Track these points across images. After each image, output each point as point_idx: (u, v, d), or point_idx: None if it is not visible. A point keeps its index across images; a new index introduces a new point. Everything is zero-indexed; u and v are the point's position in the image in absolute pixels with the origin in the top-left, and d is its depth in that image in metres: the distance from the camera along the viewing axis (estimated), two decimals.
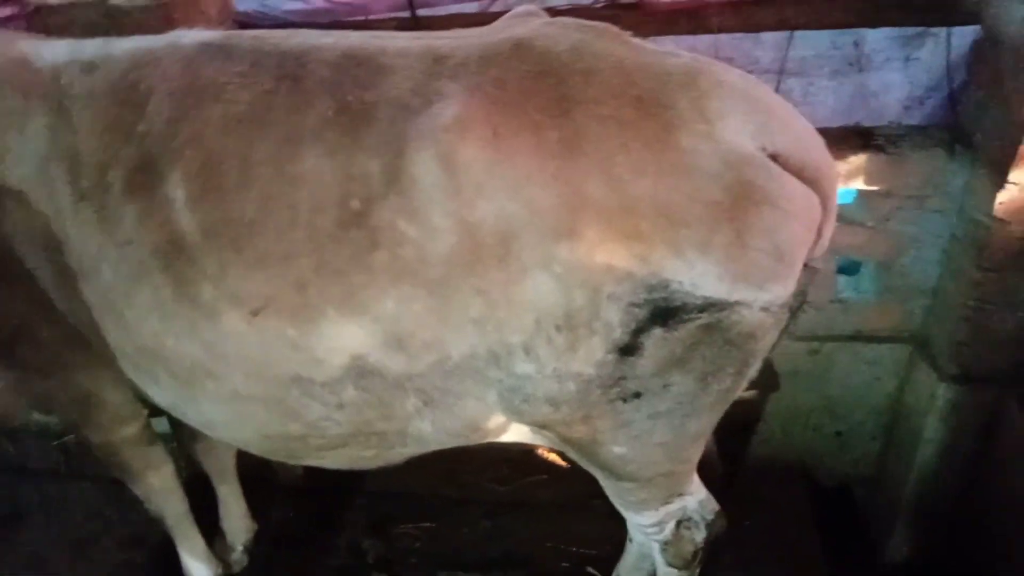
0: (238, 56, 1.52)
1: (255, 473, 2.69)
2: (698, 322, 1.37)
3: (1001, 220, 2.23)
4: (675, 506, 1.88)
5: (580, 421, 1.54)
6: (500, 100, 1.35)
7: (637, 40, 1.46)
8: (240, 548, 2.68)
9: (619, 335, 1.38)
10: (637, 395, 1.49)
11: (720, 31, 2.41)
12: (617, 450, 1.62)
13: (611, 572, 2.46)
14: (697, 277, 1.33)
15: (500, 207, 1.33)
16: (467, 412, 1.57)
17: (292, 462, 1.79)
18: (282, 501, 2.91)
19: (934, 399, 2.58)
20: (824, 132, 2.26)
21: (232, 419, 1.66)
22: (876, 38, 2.46)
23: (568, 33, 1.42)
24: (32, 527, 2.95)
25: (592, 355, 1.41)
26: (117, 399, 1.96)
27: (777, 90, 2.49)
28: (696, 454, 1.73)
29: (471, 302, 1.40)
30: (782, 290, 1.39)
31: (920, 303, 2.63)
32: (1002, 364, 2.46)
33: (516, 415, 1.57)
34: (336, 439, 1.64)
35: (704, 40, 2.48)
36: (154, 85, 1.53)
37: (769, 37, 2.49)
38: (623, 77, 1.36)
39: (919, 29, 2.43)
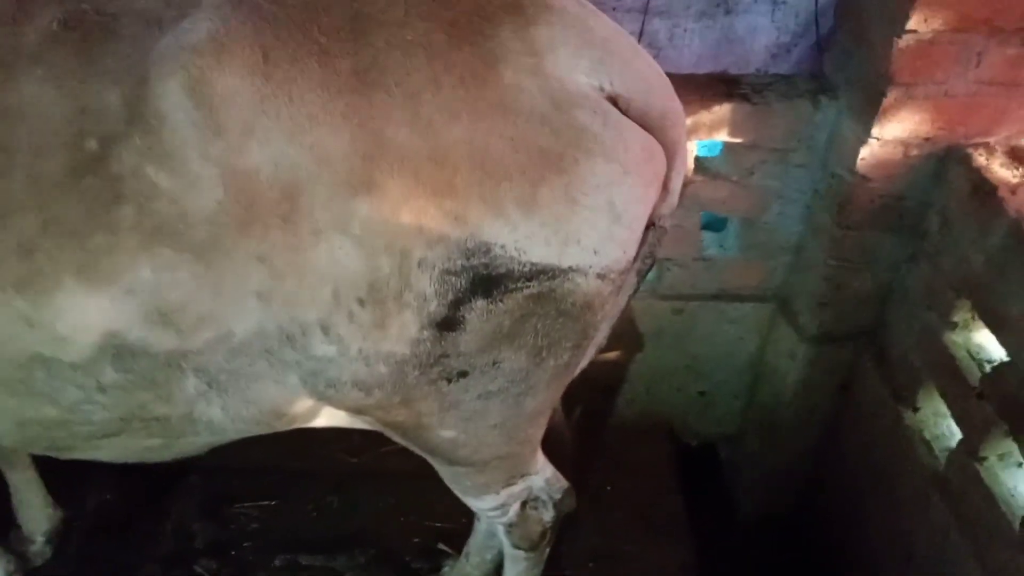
0: None
1: None
2: (526, 292, 1.17)
3: (863, 176, 2.15)
4: (519, 487, 1.71)
5: (400, 405, 1.33)
6: (273, 16, 1.08)
7: None
8: (41, 539, 2.35)
9: (435, 308, 1.17)
10: (463, 374, 1.29)
11: None
12: (446, 434, 1.42)
13: (462, 546, 2.31)
14: (522, 240, 1.12)
15: (278, 153, 1.07)
16: (265, 396, 1.32)
17: (62, 456, 1.49)
18: (97, 483, 2.57)
19: (794, 358, 2.54)
20: (690, 79, 2.11)
21: None
22: None
23: None
24: None
25: (405, 332, 1.19)
26: None
27: (641, 32, 2.30)
28: (537, 433, 1.56)
29: (250, 271, 1.14)
30: (621, 254, 1.20)
31: (783, 261, 2.55)
32: (860, 323, 2.42)
33: (324, 400, 1.34)
34: (107, 425, 1.36)
35: None
36: None
37: None
38: None
39: None
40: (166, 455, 1.52)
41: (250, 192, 1.09)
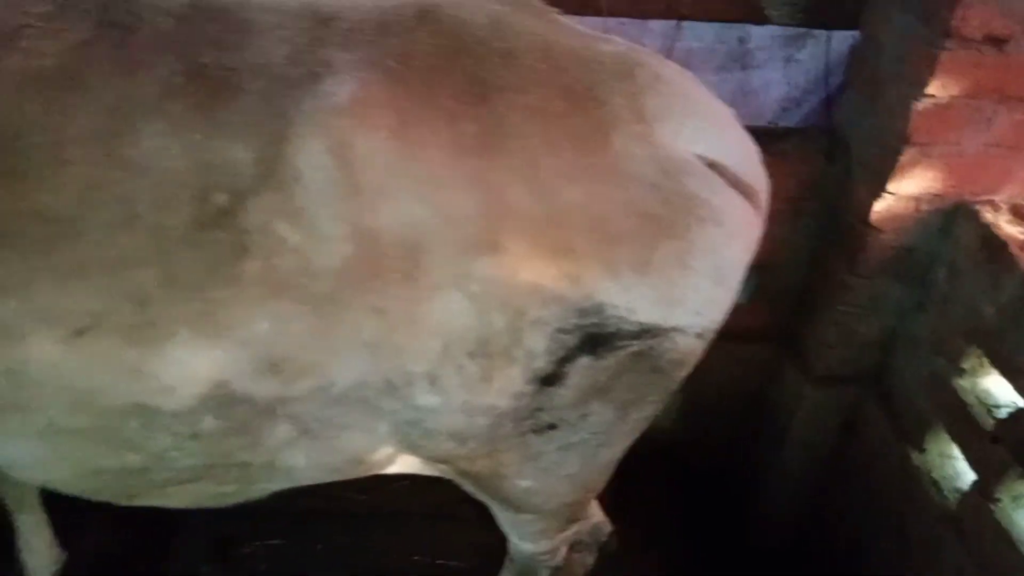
0: None
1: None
2: (630, 349, 1.21)
3: (875, 227, 2.25)
4: (571, 531, 1.74)
5: (485, 456, 1.35)
6: (406, 80, 1.10)
7: (563, 18, 1.26)
8: None
9: (542, 364, 1.20)
10: (552, 427, 1.32)
11: (609, 14, 2.26)
12: (522, 483, 1.44)
13: None
14: (634, 301, 1.16)
15: (407, 212, 1.09)
16: (351, 446, 1.32)
17: (128, 503, 1.45)
18: (99, 524, 2.49)
19: (800, 397, 2.62)
20: None
21: (46, 457, 1.30)
22: (761, 35, 2.41)
23: (484, 3, 1.20)
24: None
25: (509, 386, 1.21)
26: None
27: None
28: (604, 482, 1.59)
29: (365, 323, 1.15)
30: (719, 315, 1.25)
31: (790, 304, 2.64)
32: (866, 365, 2.52)
33: (411, 449, 1.35)
34: (187, 472, 1.34)
35: (591, 22, 2.32)
36: None
37: (657, 25, 2.38)
38: (550, 62, 1.16)
39: (802, 30, 2.41)
40: (230, 501, 1.50)
41: (376, 249, 1.10)
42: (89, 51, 1.10)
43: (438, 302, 1.14)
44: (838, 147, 2.39)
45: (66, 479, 1.37)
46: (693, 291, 1.19)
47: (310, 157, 1.07)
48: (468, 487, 1.53)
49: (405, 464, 1.45)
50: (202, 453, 1.28)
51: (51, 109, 1.08)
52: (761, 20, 2.34)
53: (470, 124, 1.11)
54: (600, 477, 1.54)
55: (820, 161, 2.42)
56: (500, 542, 2.10)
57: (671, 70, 1.24)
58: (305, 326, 1.14)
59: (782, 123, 2.53)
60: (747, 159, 1.27)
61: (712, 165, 1.21)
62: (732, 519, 2.95)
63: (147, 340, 1.13)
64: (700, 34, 2.39)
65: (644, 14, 2.28)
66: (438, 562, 2.54)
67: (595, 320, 1.16)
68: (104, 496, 1.44)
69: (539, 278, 1.13)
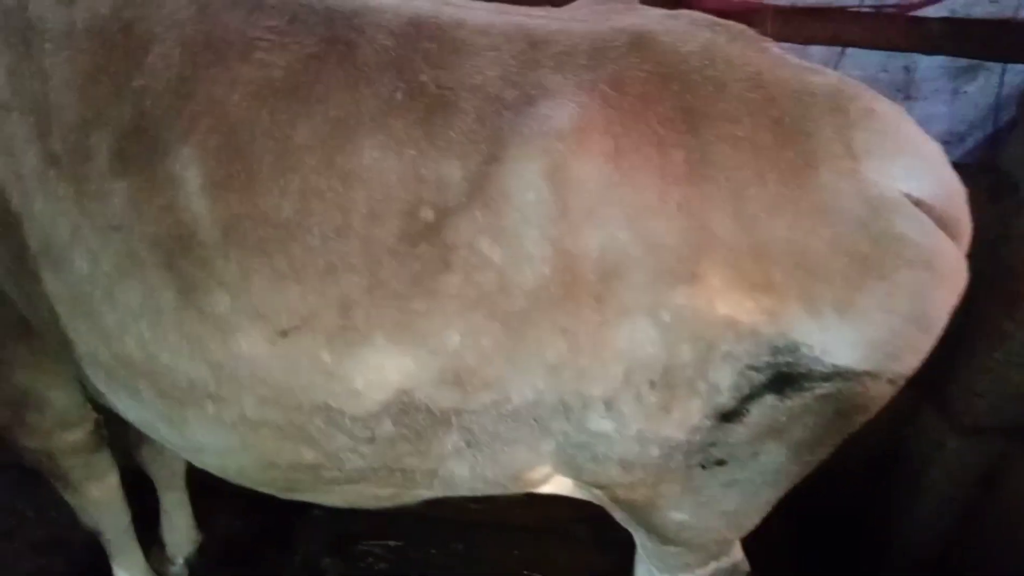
0: (271, 5, 1.21)
1: (199, 476, 2.37)
2: (817, 391, 1.17)
3: None
4: (710, 568, 1.69)
5: (648, 486, 1.32)
6: (620, 105, 1.10)
7: (776, 48, 1.23)
8: (181, 561, 2.38)
9: (725, 400, 1.17)
10: (720, 463, 1.28)
11: (773, 38, 2.20)
12: (676, 516, 1.41)
13: None
14: (831, 342, 1.12)
15: (611, 238, 1.09)
16: (514, 461, 1.33)
17: (286, 496, 1.50)
18: (230, 510, 2.58)
19: (940, 447, 2.49)
20: None
21: (231, 445, 1.36)
22: (928, 66, 2.31)
23: (696, 31, 1.18)
24: None
25: (687, 419, 1.19)
26: (62, 401, 1.63)
27: None
28: (758, 521, 1.54)
29: (550, 343, 1.15)
30: (916, 362, 1.19)
31: (936, 347, 2.51)
32: (1015, 417, 2.37)
33: (574, 472, 1.34)
34: (354, 473, 1.37)
35: None
36: (156, 30, 1.20)
37: (818, 51, 2.31)
38: (760, 92, 1.13)
39: (973, 63, 2.29)
40: (382, 505, 1.53)
41: (574, 271, 1.10)
42: (316, 64, 1.14)
43: (626, 328, 1.13)
44: (1004, 186, 2.26)
45: (243, 468, 1.42)
46: (895, 335, 1.14)
47: (522, 178, 1.08)
48: (617, 514, 1.50)
49: (558, 485, 1.44)
50: (373, 456, 1.31)
51: (279, 118, 1.13)
52: (931, 50, 2.24)
53: (679, 151, 1.09)
54: (756, 516, 1.49)
55: (982, 200, 2.28)
56: (613, 564, 2.07)
57: (883, 105, 1.19)
58: (493, 341, 1.15)
59: None
60: (955, 200, 1.21)
61: (921, 205, 1.15)
62: (857, 571, 2.83)
63: (345, 344, 1.16)
64: (863, 62, 2.31)
65: (810, 40, 2.21)
66: None
67: (788, 359, 1.13)
68: (269, 488, 1.49)
69: (735, 312, 1.10)
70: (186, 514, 2.33)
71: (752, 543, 2.72)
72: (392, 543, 2.59)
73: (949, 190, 1.21)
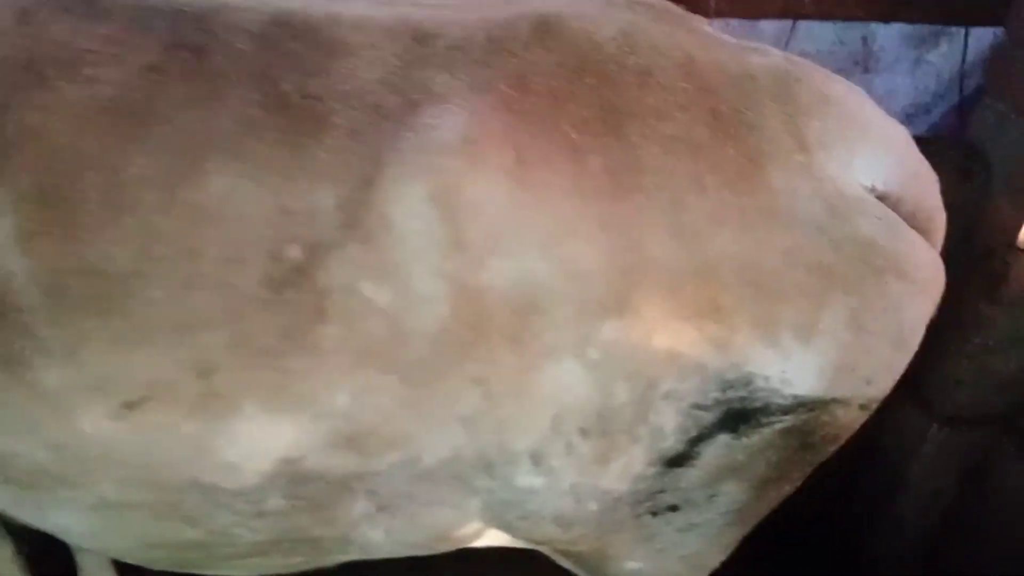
0: (106, 8, 0.99)
1: None
2: (778, 426, 0.99)
3: (1022, 252, 1.96)
4: None
5: (591, 539, 1.14)
6: (522, 108, 0.91)
7: (709, 27, 1.04)
8: None
9: (671, 444, 0.99)
10: (673, 508, 1.11)
11: (718, 15, 2.02)
12: (630, 566, 1.23)
13: None
14: (792, 370, 0.94)
15: (521, 269, 0.90)
16: (437, 522, 1.14)
17: (185, 571, 1.30)
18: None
19: (921, 440, 2.34)
20: None
21: (100, 529, 1.16)
22: (887, 35, 2.14)
23: (613, 12, 0.99)
24: None
25: (628, 469, 1.01)
26: None
27: None
28: (723, 558, 1.37)
29: (462, 394, 0.96)
30: (892, 383, 1.02)
31: None
32: (1000, 406, 2.23)
33: (505, 529, 1.15)
34: (251, 547, 1.17)
35: None
36: None
37: (770, 27, 2.13)
38: (693, 81, 0.95)
39: (934, 28, 2.13)
40: (297, 570, 1.33)
41: (479, 310, 0.91)
42: (155, 78, 0.93)
43: (549, 371, 0.94)
44: (975, 160, 2.10)
45: (121, 551, 1.22)
46: (866, 357, 0.96)
47: (405, 204, 0.89)
48: (564, 563, 1.32)
49: (495, 538, 1.26)
50: (269, 530, 1.11)
51: (110, 146, 0.92)
52: (889, 17, 2.07)
53: (597, 159, 0.90)
54: (721, 555, 1.32)
55: (953, 176, 2.13)
56: None
57: (838, 86, 1.01)
58: (391, 397, 0.96)
59: (909, 131, 2.26)
60: (927, 190, 1.04)
61: (888, 200, 0.98)
62: (838, 570, 2.69)
63: (209, 413, 0.96)
64: (817, 35, 2.13)
65: (759, 14, 2.03)
66: None
67: (742, 394, 0.95)
68: (163, 567, 1.29)
69: (676, 344, 0.92)
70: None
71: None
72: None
73: (919, 180, 1.04)
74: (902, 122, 2.23)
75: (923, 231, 1.03)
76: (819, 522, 2.76)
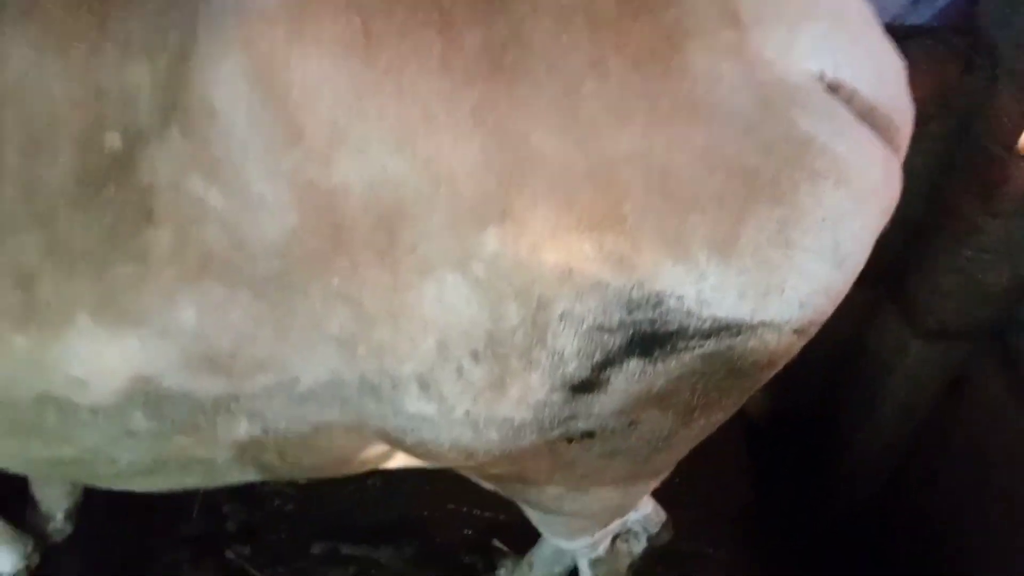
0: None
1: None
2: (698, 351, 0.87)
3: (1022, 156, 1.79)
4: (615, 524, 1.45)
5: (503, 464, 1.05)
6: None
7: None
8: (60, 516, 2.14)
9: (573, 369, 0.87)
10: (589, 435, 1.00)
11: None
12: (553, 490, 1.15)
13: (520, 544, 2.08)
14: (708, 291, 0.81)
15: (377, 168, 0.76)
16: (331, 445, 1.05)
17: (85, 484, 1.23)
18: None
19: (903, 351, 2.24)
20: None
21: None
22: None
23: None
24: None
25: (529, 395, 0.90)
26: None
27: None
28: (659, 482, 1.28)
29: (330, 312, 0.85)
30: (829, 306, 0.89)
31: (899, 242, 2.21)
32: (986, 320, 2.10)
33: (408, 453, 1.06)
34: (136, 466, 1.09)
35: None
36: None
37: None
38: None
39: None
40: (207, 485, 1.26)
41: (335, 218, 0.78)
42: None
43: (430, 288, 0.82)
44: (980, 52, 1.90)
45: (6, 464, 1.14)
46: (798, 277, 0.83)
47: (225, 85, 0.74)
48: (488, 486, 1.24)
49: (406, 460, 1.17)
50: (147, 450, 1.03)
51: None
52: None
53: (474, 33, 0.75)
54: (654, 480, 1.24)
55: (956, 69, 1.93)
56: None
57: None
58: (245, 315, 0.84)
59: (909, 20, 2.04)
60: (888, 80, 0.88)
61: (839, 91, 0.82)
62: (811, 479, 2.64)
63: (39, 326, 0.85)
64: None
65: None
66: (475, 513, 2.32)
67: (650, 316, 0.82)
68: (57, 480, 1.22)
69: (570, 258, 0.79)
70: None
71: (696, 452, 2.53)
72: (302, 481, 2.36)
73: (880, 68, 0.87)
74: (905, 8, 2.03)
75: (881, 130, 0.87)
76: (799, 428, 2.71)
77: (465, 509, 2.33)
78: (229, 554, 2.20)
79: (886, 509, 2.54)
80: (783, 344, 0.91)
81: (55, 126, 0.77)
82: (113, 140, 0.77)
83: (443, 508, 2.34)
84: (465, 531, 2.29)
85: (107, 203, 0.79)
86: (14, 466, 1.15)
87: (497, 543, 2.24)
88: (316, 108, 0.74)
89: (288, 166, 0.76)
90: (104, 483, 1.19)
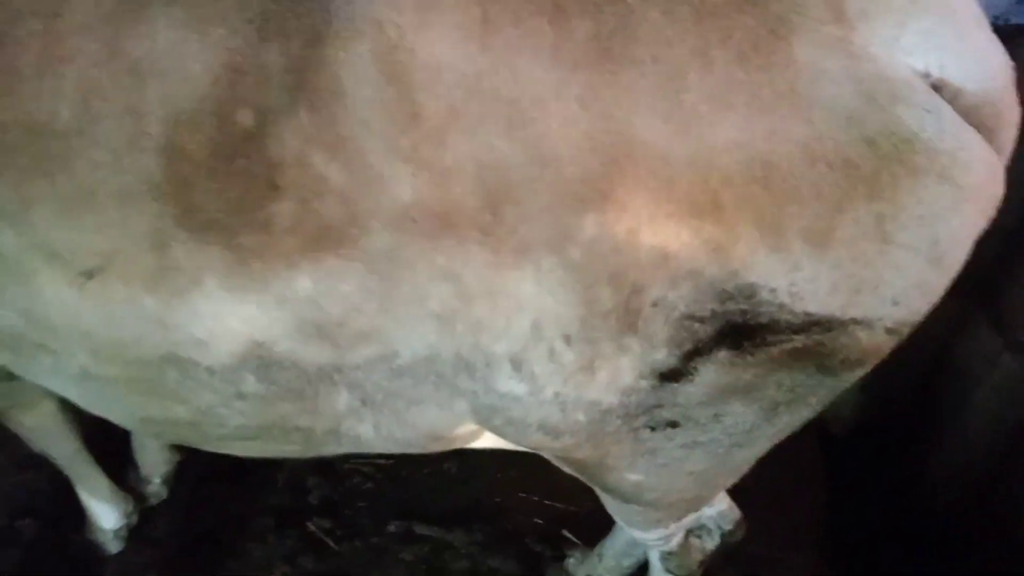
0: None
1: None
2: (788, 345, 0.88)
3: None
4: (689, 519, 1.46)
5: (587, 448, 1.08)
6: None
7: None
8: (157, 480, 2.28)
9: (663, 357, 0.89)
10: (673, 424, 1.02)
11: None
12: (632, 477, 1.17)
13: (589, 535, 2.10)
14: (802, 283, 0.82)
15: (487, 149, 0.80)
16: (424, 420, 1.09)
17: (190, 446, 1.32)
18: None
19: (994, 363, 2.16)
20: None
21: (93, 399, 1.17)
22: None
23: None
24: None
25: (617, 380, 0.92)
26: None
27: None
28: (738, 478, 1.28)
29: (433, 289, 0.89)
30: (926, 305, 0.89)
31: (991, 249, 2.13)
32: None
33: (496, 433, 1.10)
34: (241, 430, 1.17)
35: None
36: None
37: None
38: None
39: None
40: (304, 456, 1.33)
41: (446, 196, 0.82)
42: None
43: (528, 269, 0.85)
44: None
45: (121, 420, 1.23)
46: (894, 273, 0.83)
47: (353, 67, 0.79)
48: (568, 470, 1.27)
49: (494, 440, 1.21)
50: (254, 414, 1.09)
51: None
52: None
53: (584, 23, 0.78)
54: (733, 476, 1.24)
55: None
56: None
57: None
58: (357, 287, 0.89)
59: (1014, 19, 1.97)
60: (994, 79, 0.86)
61: (944, 89, 0.82)
62: (891, 490, 2.57)
63: (169, 288, 0.92)
64: None
65: None
66: (547, 503, 2.35)
67: (742, 307, 0.84)
68: (167, 440, 1.31)
69: (666, 245, 0.81)
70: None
71: (773, 460, 2.50)
72: (381, 461, 2.44)
73: (988, 67, 0.86)
74: (1009, 7, 1.96)
75: (986, 130, 0.86)
76: (884, 442, 2.64)
77: (536, 498, 2.37)
78: (310, 526, 2.29)
79: (970, 523, 2.46)
80: (874, 342, 0.91)
81: (194, 101, 0.84)
82: (246, 116, 0.83)
83: (515, 496, 2.38)
84: (536, 520, 2.32)
85: (237, 175, 0.85)
86: (130, 423, 1.24)
87: (566, 533, 2.27)
88: (435, 90, 0.79)
89: (406, 144, 0.80)
90: (210, 445, 1.27)
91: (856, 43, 0.79)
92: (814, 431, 2.59)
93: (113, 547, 2.13)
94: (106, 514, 2.09)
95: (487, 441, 1.23)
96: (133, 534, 2.18)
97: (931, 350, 2.37)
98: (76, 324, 0.97)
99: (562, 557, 2.22)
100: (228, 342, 0.96)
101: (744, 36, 0.78)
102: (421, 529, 2.31)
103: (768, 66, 0.78)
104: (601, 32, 0.78)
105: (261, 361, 0.98)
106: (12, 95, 0.87)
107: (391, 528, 2.31)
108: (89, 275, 0.92)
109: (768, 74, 0.78)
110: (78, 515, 2.11)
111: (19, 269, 0.94)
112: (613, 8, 0.78)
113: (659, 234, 0.80)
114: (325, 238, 0.86)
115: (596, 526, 2.06)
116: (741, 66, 0.78)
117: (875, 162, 0.78)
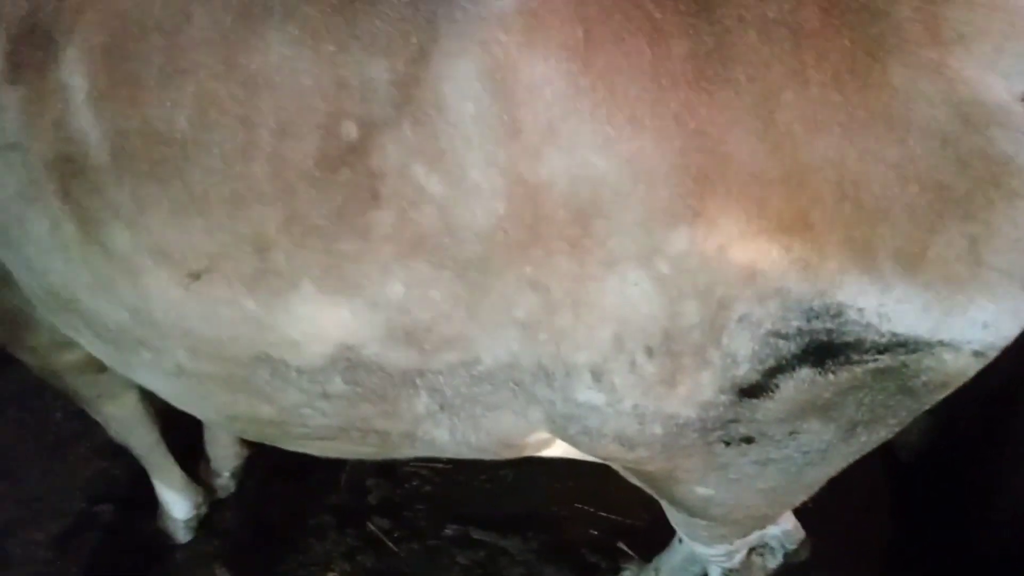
0: None
1: None
2: (871, 365, 0.88)
3: None
4: (753, 536, 1.46)
5: (660, 460, 1.09)
6: None
7: None
8: (227, 474, 2.36)
9: (744, 373, 0.90)
10: (748, 440, 1.03)
11: None
12: (702, 491, 1.18)
13: (645, 548, 2.10)
14: (891, 304, 0.82)
15: (582, 164, 0.82)
16: (500, 426, 1.12)
17: (269, 443, 1.37)
18: None
19: None
20: None
21: (184, 395, 1.23)
22: None
23: None
24: (5, 421, 2.64)
25: (697, 394, 0.93)
26: (50, 321, 1.54)
27: None
28: (808, 497, 1.28)
29: (519, 298, 0.91)
30: (1016, 329, 0.88)
31: None
32: None
33: (570, 443, 1.12)
34: (322, 430, 1.21)
35: None
36: None
37: None
38: None
39: None
40: (376, 458, 1.37)
41: (537, 209, 0.85)
42: None
43: (613, 281, 0.87)
44: None
45: (206, 417, 1.29)
46: (986, 296, 0.83)
47: (458, 83, 0.82)
48: (635, 481, 1.28)
49: (564, 449, 1.23)
50: (336, 414, 1.13)
51: (171, 6, 0.91)
52: None
53: (682, 43, 0.79)
54: (803, 494, 1.24)
55: None
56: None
57: None
58: (446, 294, 0.93)
59: None
60: None
61: None
62: (959, 521, 2.51)
63: (269, 290, 0.97)
64: None
65: None
66: (602, 514, 2.35)
67: (829, 326, 0.84)
68: (248, 437, 1.36)
69: (756, 262, 0.82)
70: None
71: (838, 483, 2.46)
72: (440, 465, 2.48)
73: None
74: None
75: None
76: (953, 471, 2.57)
77: (592, 509, 2.37)
78: (370, 525, 2.34)
79: None
80: (960, 365, 0.90)
81: (303, 113, 0.88)
82: (350, 129, 0.87)
83: (571, 506, 2.38)
84: (592, 531, 2.33)
85: (340, 185, 0.89)
86: (215, 420, 1.30)
87: (622, 546, 2.27)
88: (535, 106, 0.81)
89: (504, 158, 0.83)
90: (290, 444, 1.31)
91: (952, 66, 0.79)
92: (881, 455, 2.54)
93: (183, 536, 2.21)
94: (178, 504, 2.16)
95: (556, 450, 1.25)
96: (202, 525, 2.26)
97: (1003, 374, 2.31)
98: (179, 322, 1.03)
99: (617, 570, 2.22)
100: (320, 344, 1.00)
101: (840, 57, 0.79)
102: (478, 534, 2.34)
103: (863, 88, 0.79)
104: (698, 52, 0.79)
105: (349, 363, 1.02)
106: (135, 105, 0.93)
107: (448, 531, 2.34)
108: (195, 276, 0.97)
109: (863, 96, 0.79)
110: (152, 504, 2.20)
111: (130, 267, 1.00)
112: (711, 29, 0.79)
113: (748, 251, 0.82)
114: (420, 246, 0.90)
115: (652, 540, 2.05)
116: (837, 87, 0.79)
117: (969, 184, 0.78)
